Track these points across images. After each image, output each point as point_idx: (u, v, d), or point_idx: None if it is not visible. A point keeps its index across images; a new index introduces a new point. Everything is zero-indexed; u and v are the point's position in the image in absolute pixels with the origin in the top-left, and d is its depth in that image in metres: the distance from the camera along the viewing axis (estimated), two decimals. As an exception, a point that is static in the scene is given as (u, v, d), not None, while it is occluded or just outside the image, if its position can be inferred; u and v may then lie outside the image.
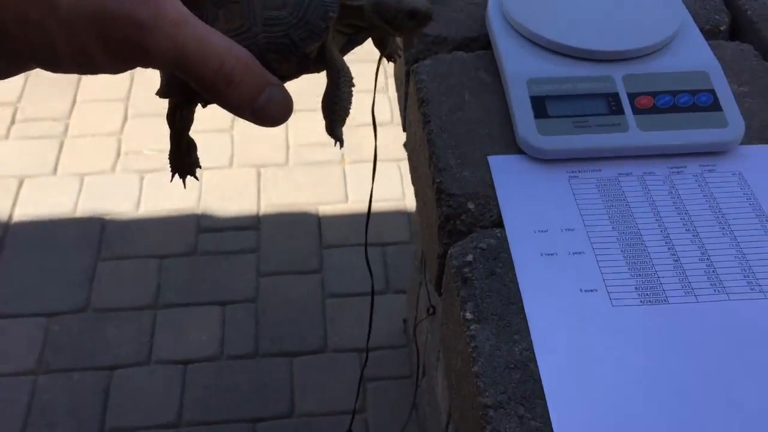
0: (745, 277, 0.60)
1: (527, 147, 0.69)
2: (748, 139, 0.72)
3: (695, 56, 0.75)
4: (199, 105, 0.40)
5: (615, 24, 0.76)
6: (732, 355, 0.55)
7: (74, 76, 2.59)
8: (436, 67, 0.79)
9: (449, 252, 0.63)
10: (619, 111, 0.71)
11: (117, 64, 0.32)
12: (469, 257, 0.62)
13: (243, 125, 2.39)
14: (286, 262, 2.06)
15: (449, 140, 0.71)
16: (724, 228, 0.64)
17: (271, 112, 0.35)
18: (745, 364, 0.54)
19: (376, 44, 0.44)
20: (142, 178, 2.27)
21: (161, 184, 2.25)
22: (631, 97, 0.72)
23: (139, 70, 0.34)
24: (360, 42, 0.41)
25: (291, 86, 0.37)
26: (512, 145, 0.70)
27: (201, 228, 2.15)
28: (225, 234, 2.15)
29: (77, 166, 2.30)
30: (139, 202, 2.21)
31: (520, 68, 0.74)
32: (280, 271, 2.05)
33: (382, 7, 0.39)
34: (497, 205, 0.66)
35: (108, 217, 2.17)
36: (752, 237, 0.63)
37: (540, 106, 0.71)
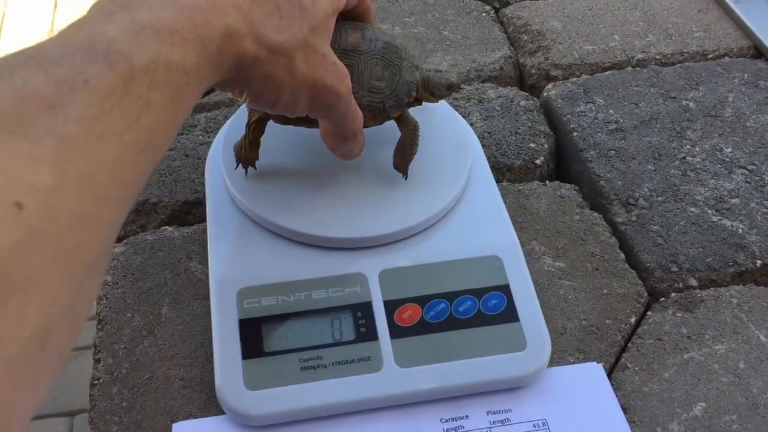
0: None
1: (229, 409, 0.46)
2: (563, 353, 0.50)
3: (484, 230, 0.53)
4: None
5: (376, 197, 0.53)
6: None
7: None
8: (129, 259, 0.55)
9: None
10: (371, 334, 0.48)
11: (308, 112, 0.45)
12: None
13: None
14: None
15: (119, 398, 0.48)
16: None
17: (354, 152, 0.50)
18: None
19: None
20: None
21: None
22: (390, 307, 0.49)
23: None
24: (410, 106, 0.53)
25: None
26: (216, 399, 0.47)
27: (47, 321, 1.87)
28: (75, 326, 1.87)
29: None
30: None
31: (232, 268, 0.50)
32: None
33: (429, 81, 0.52)
34: None
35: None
36: None
37: (253, 335, 0.48)
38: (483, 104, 0.66)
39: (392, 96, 0.50)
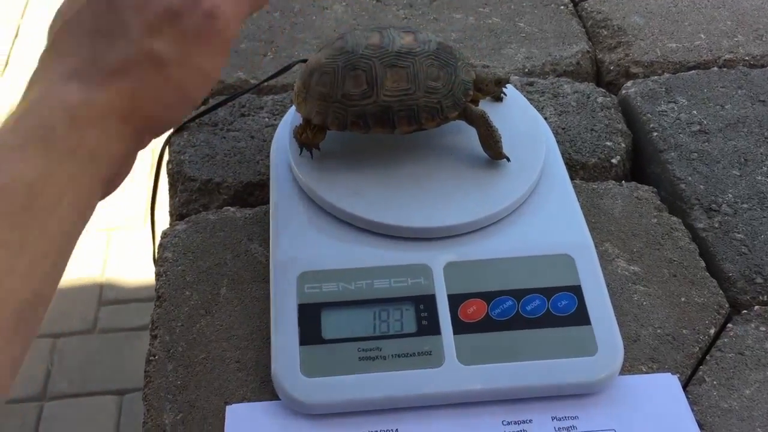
0: None
1: (284, 395, 0.45)
2: (635, 362, 0.47)
3: (556, 228, 0.50)
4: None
5: (445, 187, 0.51)
6: None
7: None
8: (190, 237, 0.54)
9: None
10: (433, 328, 0.46)
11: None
12: None
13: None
14: (193, 343, 1.81)
15: (174, 375, 0.47)
16: None
17: None
18: None
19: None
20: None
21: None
22: (454, 302, 0.47)
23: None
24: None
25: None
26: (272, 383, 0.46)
27: (103, 300, 1.90)
28: (129, 307, 1.90)
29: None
30: (36, 270, 1.96)
31: (293, 251, 0.49)
32: (185, 355, 1.79)
33: (479, 78, 0.52)
34: (219, 507, 0.41)
35: None
36: None
37: (311, 321, 0.46)
38: (558, 99, 0.64)
39: (449, 96, 0.49)
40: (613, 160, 0.59)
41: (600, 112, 0.63)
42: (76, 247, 0.34)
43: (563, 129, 0.61)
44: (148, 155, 1.94)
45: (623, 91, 0.66)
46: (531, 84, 0.65)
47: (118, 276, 1.96)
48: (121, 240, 2.02)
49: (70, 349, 1.81)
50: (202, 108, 0.63)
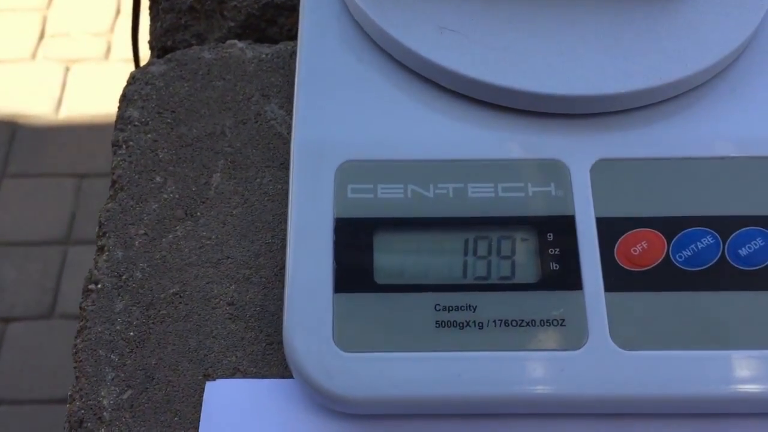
0: None
1: (303, 377, 0.26)
2: None
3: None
4: None
5: (596, 29, 0.30)
6: None
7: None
8: (171, 86, 0.34)
9: None
10: (570, 278, 0.26)
11: None
12: None
13: None
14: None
15: (125, 322, 0.28)
16: None
17: None
18: None
19: None
20: (67, 70, 1.84)
21: (89, 79, 1.82)
22: (608, 231, 0.27)
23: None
24: None
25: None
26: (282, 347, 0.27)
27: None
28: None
29: (-10, 52, 1.87)
30: (60, 102, 1.80)
31: (330, 125, 0.29)
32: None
33: None
34: None
35: (21, 121, 1.77)
36: None
37: (356, 251, 0.27)
38: None
39: None
40: None
41: None
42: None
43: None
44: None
45: None
46: None
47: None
48: (82, 75, 1.80)
49: (95, 191, 1.68)
50: None
